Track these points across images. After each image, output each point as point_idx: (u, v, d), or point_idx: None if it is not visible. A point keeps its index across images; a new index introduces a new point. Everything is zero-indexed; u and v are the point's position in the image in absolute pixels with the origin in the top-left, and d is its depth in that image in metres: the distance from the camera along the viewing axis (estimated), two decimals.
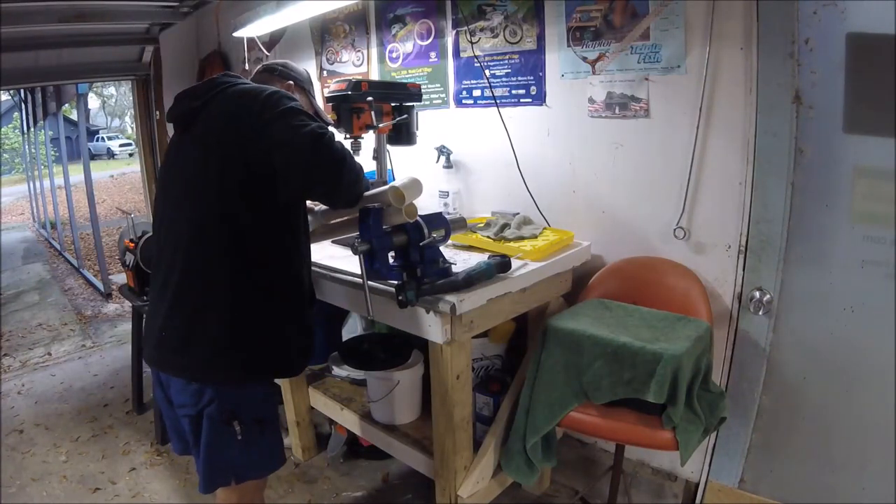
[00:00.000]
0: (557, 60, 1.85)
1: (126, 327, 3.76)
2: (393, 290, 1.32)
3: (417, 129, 1.94)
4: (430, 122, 2.24)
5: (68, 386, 3.05)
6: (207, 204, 1.19)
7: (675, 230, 1.67)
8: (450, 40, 2.16)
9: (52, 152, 8.05)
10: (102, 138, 21.45)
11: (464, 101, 2.16)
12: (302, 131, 1.11)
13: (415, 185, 1.31)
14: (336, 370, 2.19)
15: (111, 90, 22.95)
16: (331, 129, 1.19)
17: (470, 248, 1.73)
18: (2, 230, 8.61)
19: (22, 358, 3.48)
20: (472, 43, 2.05)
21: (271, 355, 1.27)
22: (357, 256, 1.29)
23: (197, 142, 1.22)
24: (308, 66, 2.79)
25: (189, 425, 1.28)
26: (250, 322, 1.22)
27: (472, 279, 1.38)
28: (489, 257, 1.50)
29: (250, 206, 1.18)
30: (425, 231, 1.32)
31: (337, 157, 1.14)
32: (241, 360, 1.23)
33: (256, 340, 1.23)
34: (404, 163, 2.33)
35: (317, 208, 1.52)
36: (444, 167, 2.22)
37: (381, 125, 1.76)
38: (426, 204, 2.25)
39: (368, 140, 1.83)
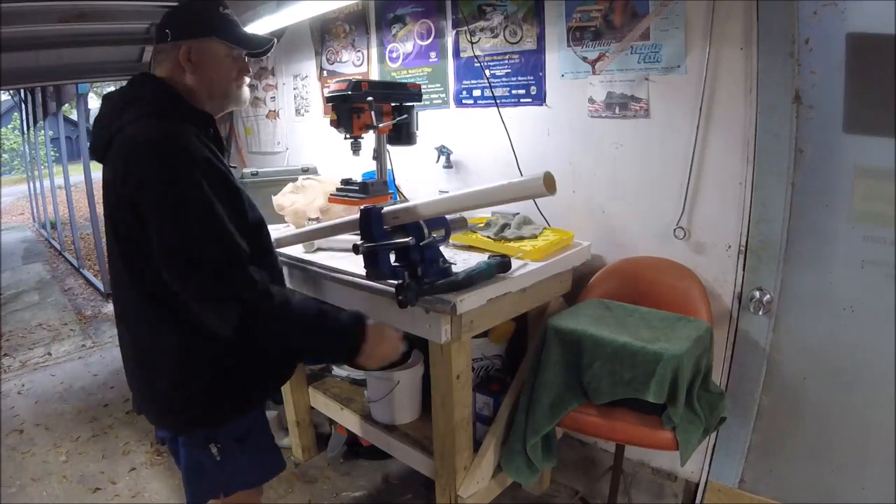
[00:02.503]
0: (557, 60, 1.85)
1: None
2: (393, 290, 1.32)
3: (417, 129, 1.94)
4: (430, 122, 2.24)
5: (68, 386, 3.06)
6: (113, 240, 1.08)
7: (675, 230, 1.67)
8: (450, 40, 2.15)
9: (53, 152, 8.05)
10: None
11: (464, 101, 2.16)
12: (183, 265, 0.98)
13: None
14: (336, 370, 2.19)
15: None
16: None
17: (470, 248, 1.73)
18: (2, 230, 8.62)
19: (22, 358, 3.48)
20: (472, 43, 2.05)
21: (225, 400, 1.16)
22: (359, 256, 1.29)
23: (105, 183, 1.09)
24: (308, 66, 2.80)
25: (169, 442, 1.27)
26: (191, 374, 1.12)
27: (473, 279, 1.38)
28: (489, 257, 1.49)
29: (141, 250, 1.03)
30: (425, 231, 1.32)
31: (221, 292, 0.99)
32: (194, 415, 1.15)
33: (202, 392, 1.13)
34: (404, 163, 2.33)
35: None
36: (444, 167, 2.22)
37: (381, 125, 1.76)
38: None
39: (368, 140, 1.83)
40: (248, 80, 1.22)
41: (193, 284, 0.99)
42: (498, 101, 2.01)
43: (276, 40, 1.24)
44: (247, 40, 1.18)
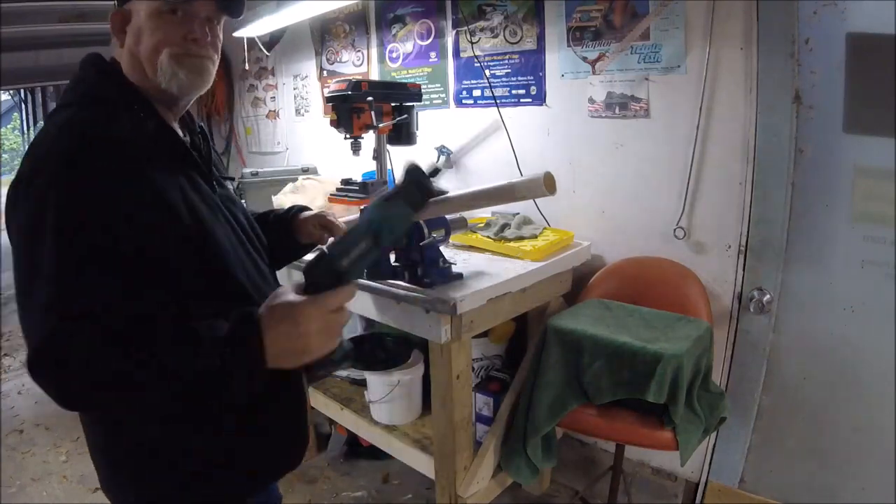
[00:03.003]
0: (557, 60, 1.85)
1: None
2: (394, 290, 1.32)
3: (417, 129, 1.95)
4: (430, 122, 2.24)
5: None
6: None
7: (675, 230, 1.67)
8: (450, 40, 2.15)
9: None
10: None
11: (464, 101, 2.16)
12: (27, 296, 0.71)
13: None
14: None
15: None
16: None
17: (470, 247, 1.73)
18: (2, 230, 8.61)
19: (22, 358, 3.48)
20: (472, 43, 2.05)
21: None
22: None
23: None
24: (308, 66, 2.80)
25: None
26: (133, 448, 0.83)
27: None
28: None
29: None
30: (425, 231, 1.32)
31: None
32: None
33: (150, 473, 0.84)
34: (404, 163, 2.32)
35: None
36: (444, 167, 2.22)
37: (381, 125, 1.76)
38: None
39: (368, 140, 1.83)
40: (179, 48, 0.84)
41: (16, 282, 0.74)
42: (498, 101, 2.01)
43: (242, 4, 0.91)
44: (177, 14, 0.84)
